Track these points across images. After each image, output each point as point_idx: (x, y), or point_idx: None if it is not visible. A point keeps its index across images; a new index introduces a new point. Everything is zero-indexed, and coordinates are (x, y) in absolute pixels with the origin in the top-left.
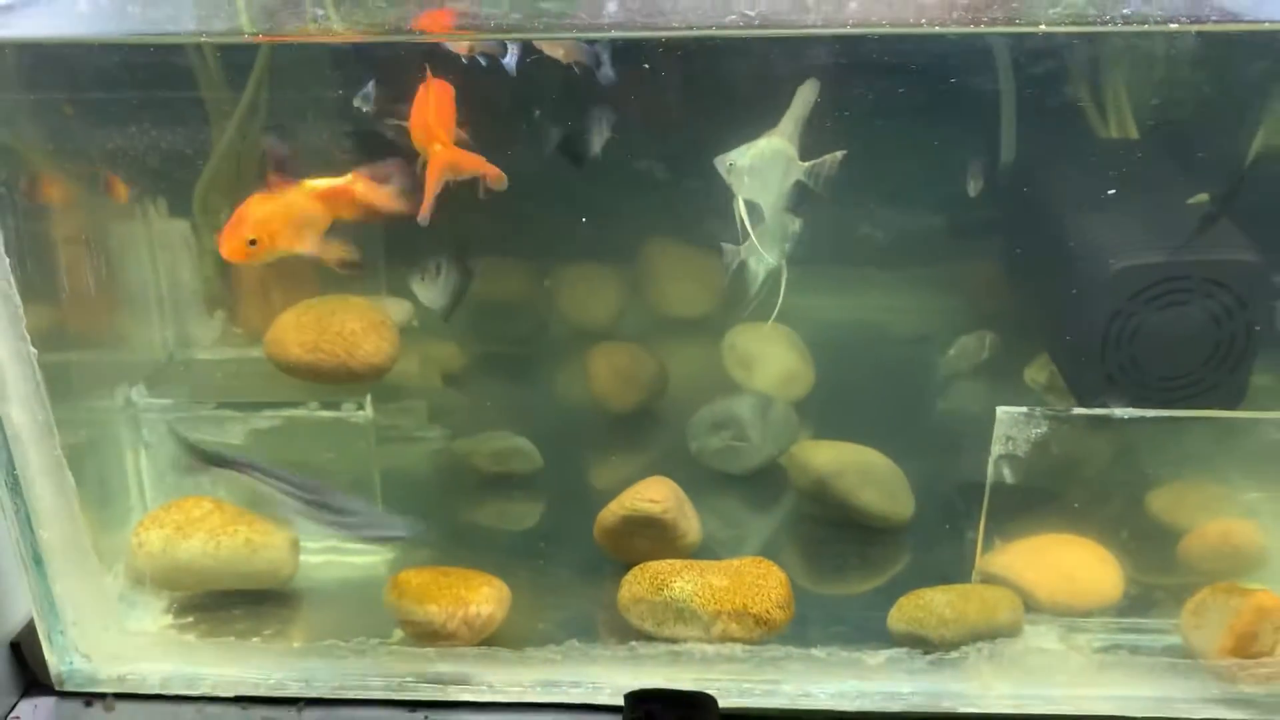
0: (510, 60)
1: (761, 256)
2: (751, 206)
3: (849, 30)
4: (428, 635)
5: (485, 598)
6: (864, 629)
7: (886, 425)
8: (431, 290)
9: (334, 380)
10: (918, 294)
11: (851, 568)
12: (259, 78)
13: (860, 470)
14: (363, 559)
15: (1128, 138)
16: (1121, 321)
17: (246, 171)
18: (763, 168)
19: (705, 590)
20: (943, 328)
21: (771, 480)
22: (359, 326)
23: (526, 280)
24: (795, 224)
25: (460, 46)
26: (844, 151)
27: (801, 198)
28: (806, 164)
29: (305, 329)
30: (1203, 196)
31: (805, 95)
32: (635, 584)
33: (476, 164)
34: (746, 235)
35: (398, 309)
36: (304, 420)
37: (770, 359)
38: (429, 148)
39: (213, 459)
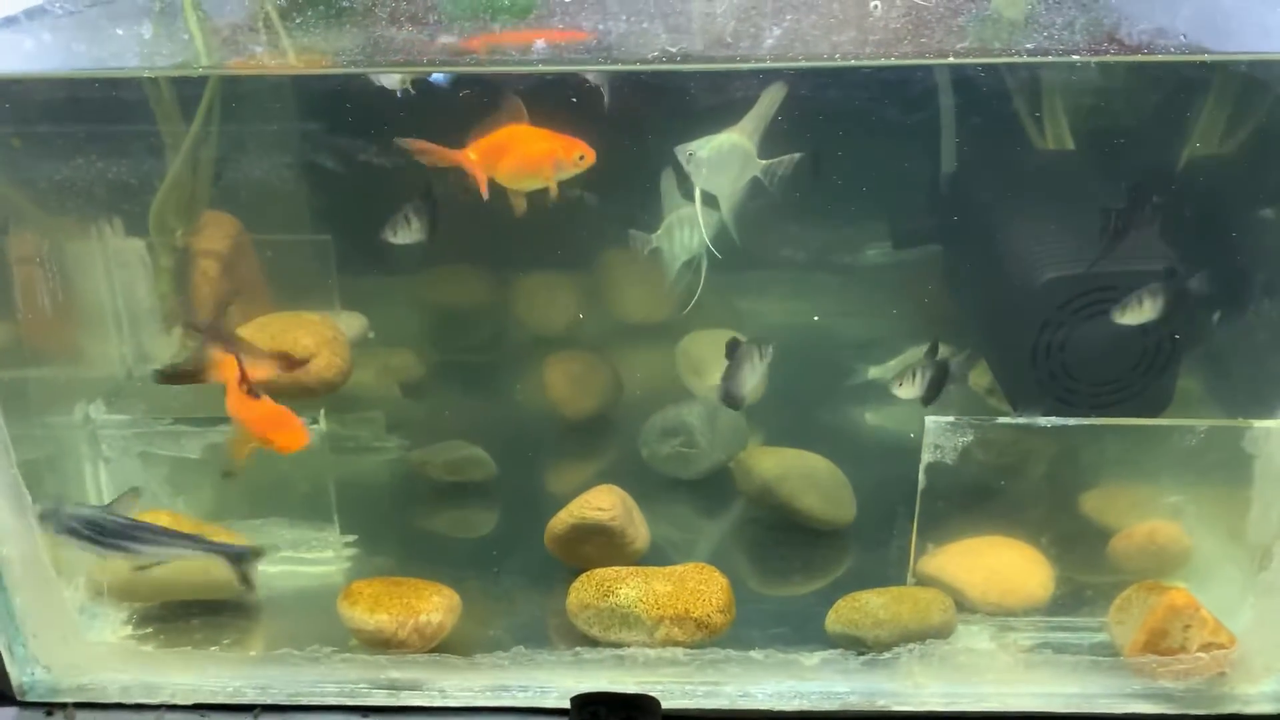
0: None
1: (679, 247)
2: (707, 198)
3: (772, 65)
4: (380, 643)
5: (435, 606)
6: (803, 631)
7: (831, 432)
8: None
9: (288, 396)
10: (865, 300)
11: (794, 571)
12: (207, 108)
13: (803, 476)
14: (319, 569)
15: (1063, 150)
16: (1051, 331)
17: (199, 194)
18: (720, 161)
19: (649, 596)
20: (889, 334)
21: (720, 486)
22: (312, 342)
23: (484, 288)
24: (713, 217)
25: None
26: (800, 154)
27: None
28: (764, 162)
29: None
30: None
31: (771, 96)
32: (582, 590)
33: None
34: (697, 230)
35: (352, 323)
36: None
37: (721, 365)
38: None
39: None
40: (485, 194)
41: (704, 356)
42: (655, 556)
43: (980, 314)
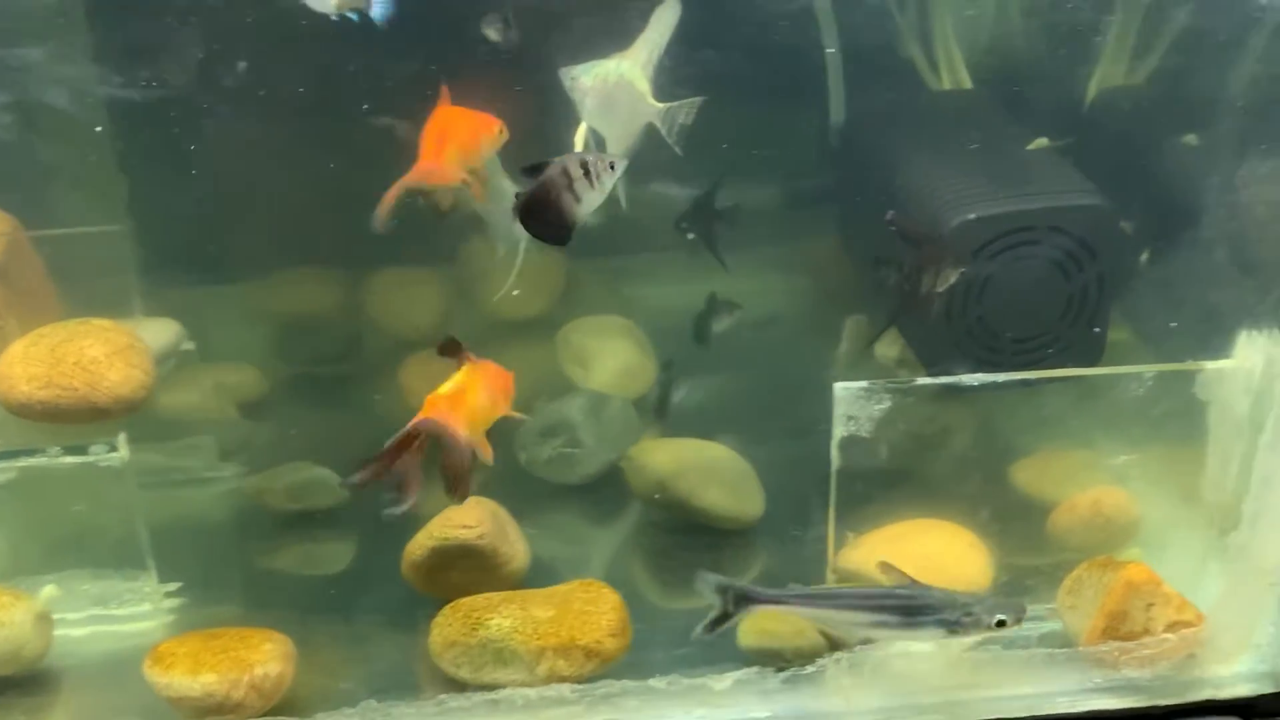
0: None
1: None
2: (596, 138)
3: None
4: (211, 711)
5: (269, 655)
6: (714, 648)
7: (734, 417)
8: None
9: (77, 419)
10: (764, 275)
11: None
12: None
13: (703, 469)
14: (133, 627)
15: (960, 89)
16: (965, 281)
17: None
18: (609, 94)
19: (527, 625)
20: (789, 308)
21: (611, 488)
22: (102, 353)
23: (333, 290)
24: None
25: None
26: (703, 97)
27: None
28: (661, 105)
29: (35, 360)
30: (1042, 141)
31: (664, 18)
32: (447, 625)
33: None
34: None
35: (160, 331)
36: (44, 470)
37: (607, 354)
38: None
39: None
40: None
41: (587, 345)
42: (539, 577)
43: (885, 271)
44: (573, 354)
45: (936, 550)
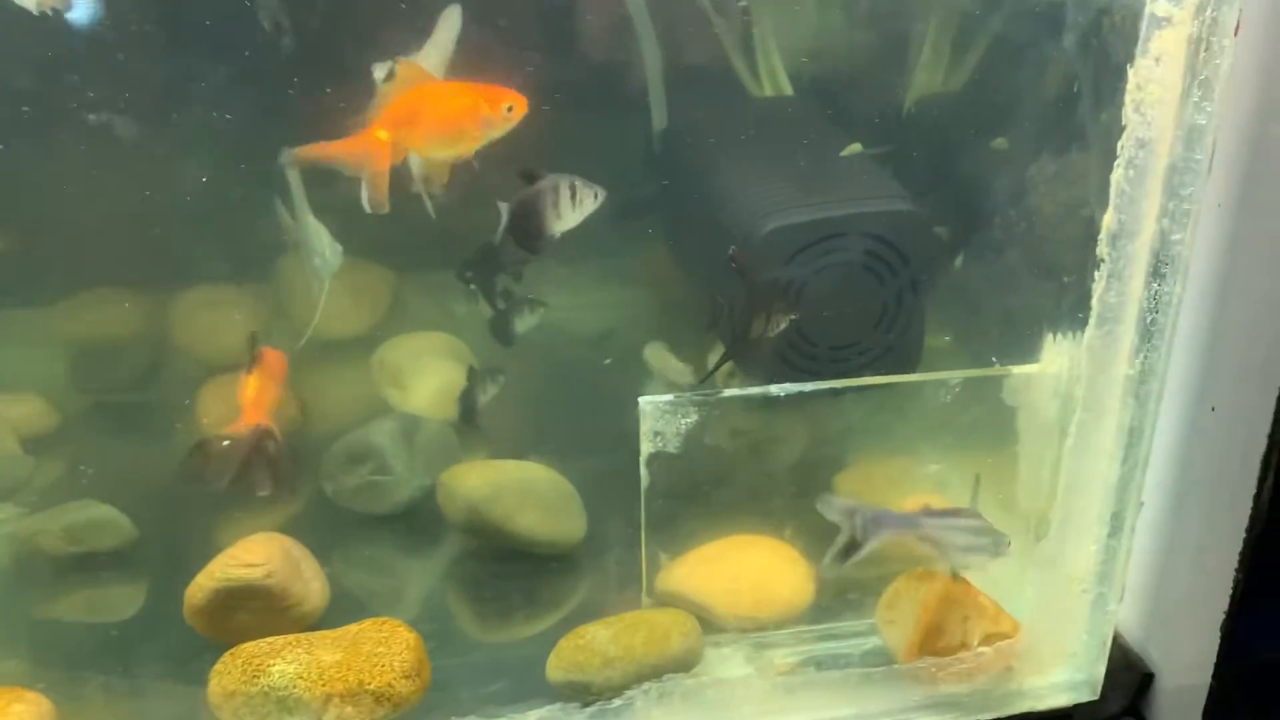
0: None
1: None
2: None
3: None
4: None
5: (18, 717)
6: (524, 682)
7: (557, 436)
8: None
9: None
10: (602, 288)
11: (515, 609)
12: None
13: (519, 491)
14: None
15: (780, 96)
16: (780, 288)
17: None
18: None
19: (312, 670)
20: (621, 321)
21: (424, 516)
22: None
23: (129, 312)
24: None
25: None
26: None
27: None
28: None
29: None
30: (855, 147)
31: (450, 22)
32: (225, 674)
33: None
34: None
35: None
36: None
37: (426, 373)
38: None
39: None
40: (421, 181)
41: (404, 365)
42: (342, 616)
43: (706, 280)
44: (389, 375)
45: (754, 568)
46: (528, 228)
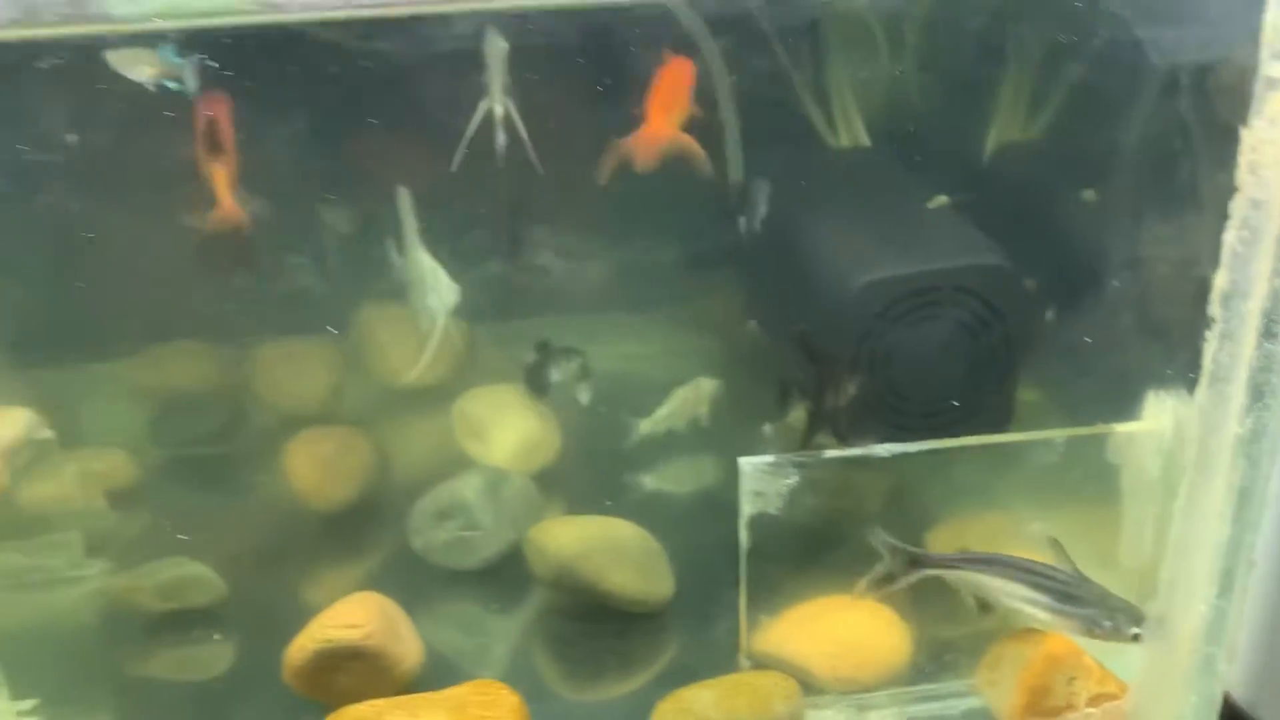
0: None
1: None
2: None
3: None
4: None
5: None
6: None
7: (640, 492)
8: None
9: None
10: (667, 337)
11: (609, 667)
12: None
13: (609, 548)
14: None
15: (858, 146)
16: (872, 343)
17: None
18: None
19: None
20: (693, 373)
21: (512, 572)
22: None
23: (209, 365)
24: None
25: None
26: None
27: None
28: None
29: None
30: (942, 199)
31: (494, 48)
32: None
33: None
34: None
35: (9, 422)
36: None
37: (506, 426)
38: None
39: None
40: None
41: (485, 416)
42: (435, 676)
43: (790, 337)
44: (469, 428)
45: (853, 629)
46: None
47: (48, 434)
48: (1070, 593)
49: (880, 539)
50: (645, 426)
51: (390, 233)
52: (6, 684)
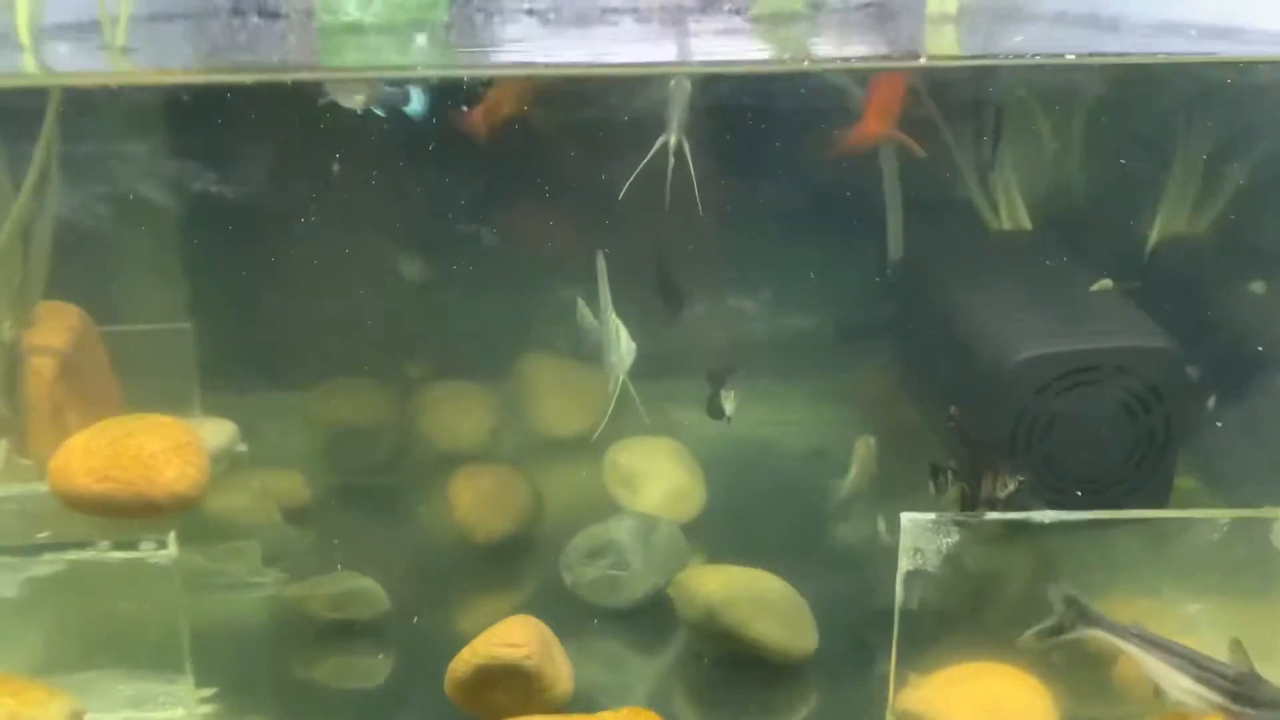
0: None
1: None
2: None
3: None
4: None
5: None
6: None
7: (785, 546)
8: None
9: (130, 514)
10: (811, 405)
11: (749, 714)
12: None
13: (754, 598)
14: None
15: (1020, 229)
16: (1030, 418)
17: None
18: None
19: None
20: (838, 440)
21: (657, 614)
22: (160, 448)
23: (384, 399)
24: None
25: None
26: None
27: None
28: None
29: (95, 453)
30: (1106, 283)
31: (679, 93)
32: None
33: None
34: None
35: (216, 431)
36: (91, 564)
37: (656, 476)
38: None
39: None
40: None
41: (635, 466)
42: (581, 702)
43: (945, 409)
44: (620, 475)
45: (998, 694)
46: None
47: (243, 448)
48: (1242, 694)
49: (1060, 590)
50: (846, 489)
51: (582, 293)
52: (193, 673)
